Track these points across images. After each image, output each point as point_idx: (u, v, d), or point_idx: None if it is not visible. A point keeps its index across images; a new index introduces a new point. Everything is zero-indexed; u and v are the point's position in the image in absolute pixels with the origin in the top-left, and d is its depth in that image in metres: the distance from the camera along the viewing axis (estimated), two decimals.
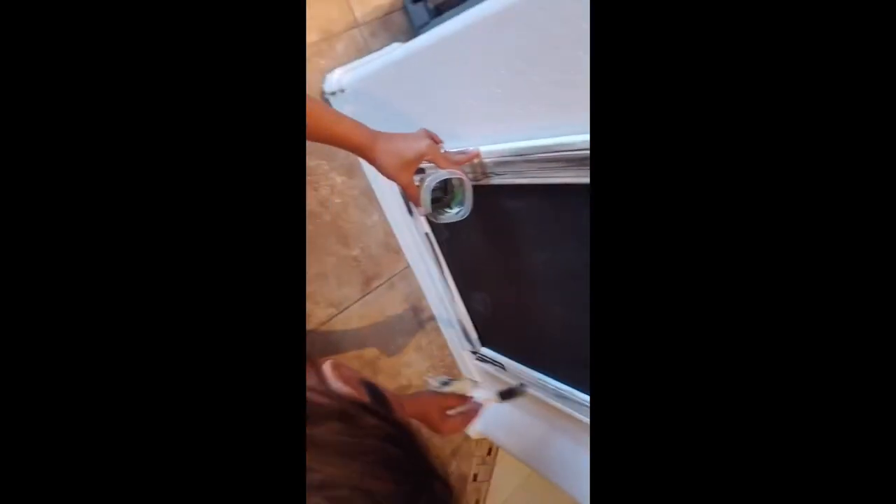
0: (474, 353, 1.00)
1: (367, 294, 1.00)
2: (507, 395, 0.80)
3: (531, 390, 0.84)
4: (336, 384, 0.33)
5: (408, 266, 1.05)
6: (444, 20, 0.69)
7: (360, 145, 0.56)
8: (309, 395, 0.30)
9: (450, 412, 0.68)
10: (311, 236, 0.92)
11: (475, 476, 1.24)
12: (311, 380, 0.33)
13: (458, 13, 0.57)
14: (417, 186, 0.58)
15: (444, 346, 1.12)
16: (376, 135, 0.57)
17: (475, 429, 1.15)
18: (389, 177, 0.58)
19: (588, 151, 0.47)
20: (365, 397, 0.34)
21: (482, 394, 0.75)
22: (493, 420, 1.13)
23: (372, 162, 0.58)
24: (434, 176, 0.57)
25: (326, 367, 0.34)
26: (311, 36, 0.89)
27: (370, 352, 1.02)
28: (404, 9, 0.97)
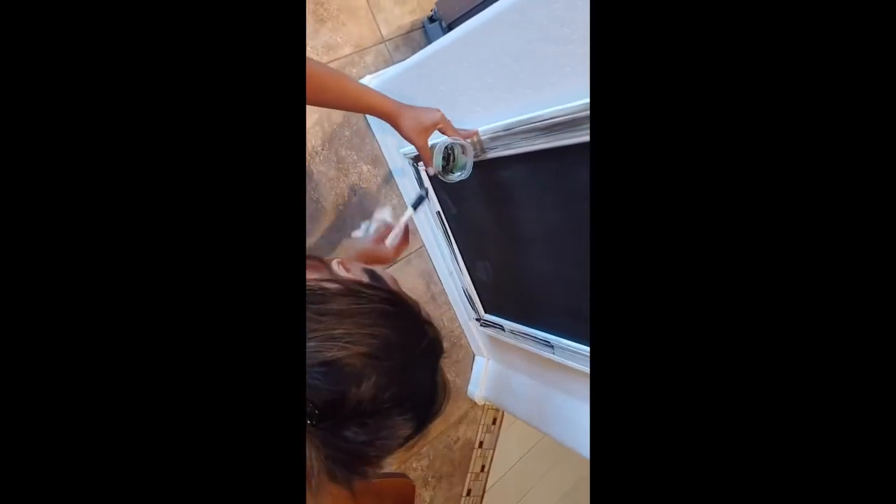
0: (478, 319, 1.14)
1: (387, 268, 1.16)
2: (416, 203, 0.89)
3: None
4: (343, 273, 0.45)
5: (422, 245, 1.21)
6: None
7: (391, 112, 0.72)
8: (324, 284, 0.41)
9: (387, 241, 0.76)
10: (341, 215, 1.09)
11: (481, 443, 1.36)
12: (324, 274, 0.44)
13: None
14: (431, 149, 0.73)
15: (453, 318, 1.26)
16: (402, 105, 0.73)
17: (481, 395, 1.29)
18: (409, 139, 0.73)
19: (553, 120, 0.62)
20: (364, 278, 0.46)
21: (399, 213, 0.83)
22: (495, 385, 1.26)
23: (397, 126, 0.73)
24: (444, 141, 0.73)
25: (334, 264, 0.46)
26: (346, 49, 1.08)
27: None
28: (423, 28, 1.15)
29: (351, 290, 0.41)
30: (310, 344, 0.35)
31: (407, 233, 0.78)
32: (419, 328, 0.42)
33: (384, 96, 0.72)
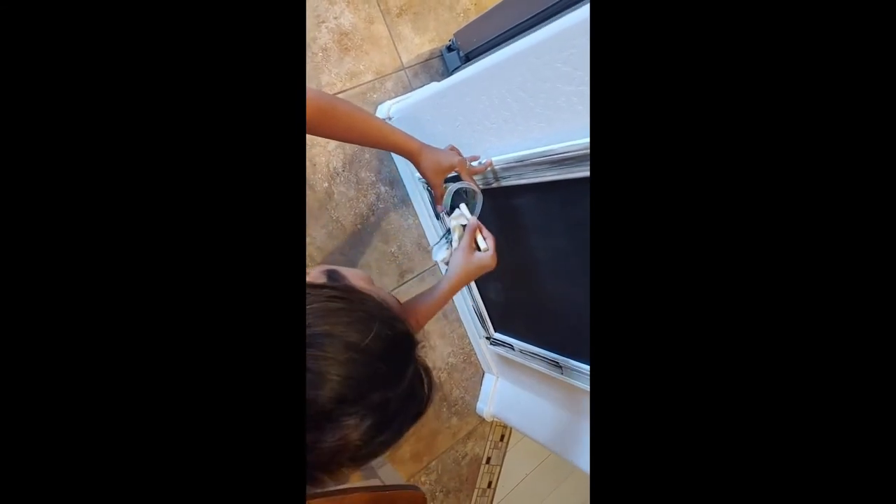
0: (488, 338, 1.17)
1: (402, 284, 1.20)
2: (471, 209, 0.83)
3: (530, 362, 1.01)
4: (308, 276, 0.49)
5: (436, 263, 1.24)
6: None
7: (412, 151, 0.76)
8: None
9: (481, 243, 0.74)
10: (359, 233, 1.14)
11: (488, 459, 1.38)
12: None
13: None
14: (444, 189, 0.78)
15: (463, 335, 1.29)
16: (423, 145, 0.77)
17: (489, 412, 1.31)
18: (426, 177, 0.78)
19: (563, 155, 0.66)
20: (322, 279, 0.51)
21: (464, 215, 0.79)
22: (503, 402, 1.29)
23: (416, 164, 0.77)
24: (456, 184, 0.77)
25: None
26: (367, 76, 1.13)
27: None
28: (441, 56, 1.21)
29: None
30: None
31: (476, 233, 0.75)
32: (371, 320, 0.43)
33: (408, 136, 0.76)
